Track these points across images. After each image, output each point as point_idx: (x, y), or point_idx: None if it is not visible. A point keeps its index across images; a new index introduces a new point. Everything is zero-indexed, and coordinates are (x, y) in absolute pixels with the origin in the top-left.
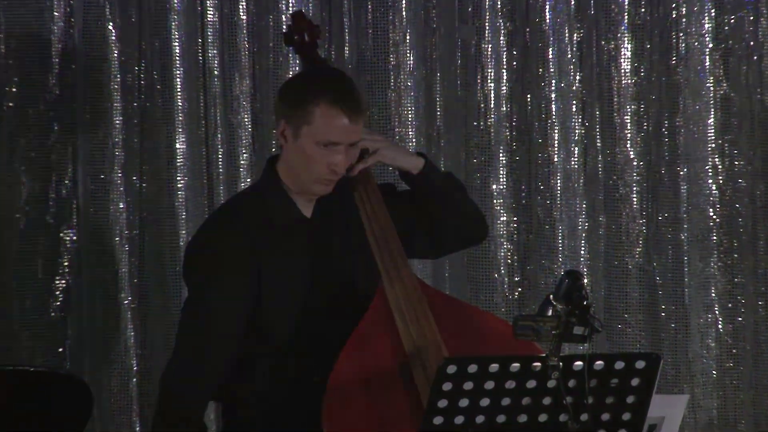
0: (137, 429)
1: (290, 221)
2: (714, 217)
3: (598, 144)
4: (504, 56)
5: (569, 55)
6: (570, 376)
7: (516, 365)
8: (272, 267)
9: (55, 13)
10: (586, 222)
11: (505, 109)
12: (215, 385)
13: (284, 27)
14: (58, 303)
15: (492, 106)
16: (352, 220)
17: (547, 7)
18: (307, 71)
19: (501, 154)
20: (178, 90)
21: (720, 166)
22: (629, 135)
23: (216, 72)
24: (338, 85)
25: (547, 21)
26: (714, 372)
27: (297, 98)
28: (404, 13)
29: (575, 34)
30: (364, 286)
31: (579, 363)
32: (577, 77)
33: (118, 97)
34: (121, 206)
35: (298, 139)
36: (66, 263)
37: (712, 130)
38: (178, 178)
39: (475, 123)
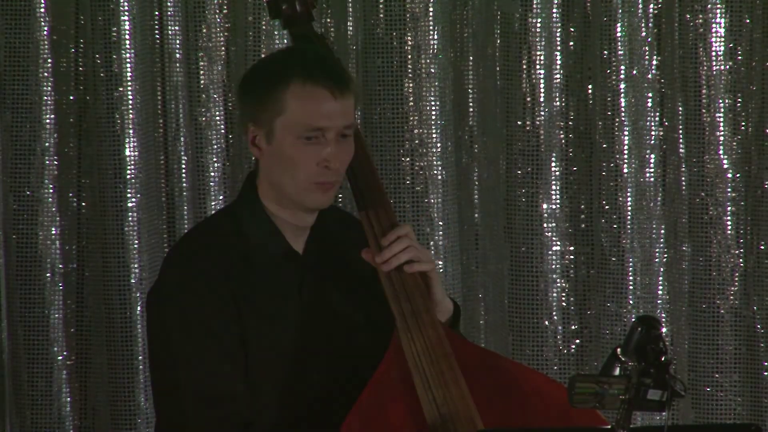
0: None
1: (276, 256)
2: None
3: (681, 150)
4: (558, 34)
5: (643, 33)
6: None
7: None
8: (254, 312)
9: None
10: (665, 252)
11: (558, 104)
12: None
13: None
14: None
15: (542, 100)
16: (352, 256)
17: None
18: (264, 56)
19: (553, 164)
20: (128, 79)
21: None
22: (722, 138)
23: (178, 55)
24: (308, 55)
25: None
26: None
27: (260, 88)
28: None
29: (651, 5)
30: (369, 339)
31: None
32: (654, 62)
33: (49, 88)
34: (54, 232)
35: (273, 140)
36: None
37: None
38: (129, 196)
39: (519, 122)
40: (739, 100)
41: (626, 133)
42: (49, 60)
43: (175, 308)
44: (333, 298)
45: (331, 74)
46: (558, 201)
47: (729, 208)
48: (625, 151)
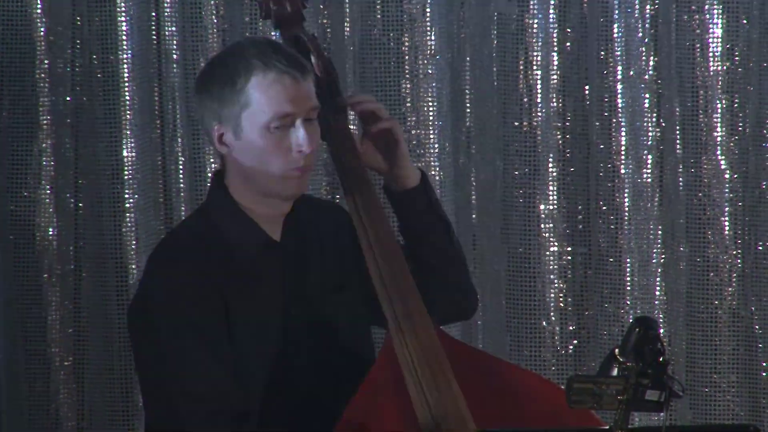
0: None
1: (257, 248)
2: None
3: (678, 151)
4: (554, 35)
5: (640, 34)
6: None
7: None
8: (241, 309)
9: None
10: (662, 253)
11: (555, 104)
12: None
13: None
14: None
15: (539, 101)
16: (328, 243)
17: None
18: (216, 54)
19: (550, 164)
20: (125, 80)
21: None
22: (719, 139)
23: (175, 56)
24: (263, 45)
25: None
26: None
27: (221, 85)
28: None
29: (648, 6)
30: (352, 335)
31: None
32: (651, 63)
33: (46, 89)
34: (51, 233)
35: (241, 135)
36: None
37: None
38: (126, 196)
39: (516, 123)
40: (737, 101)
41: (623, 133)
42: (46, 61)
43: (162, 312)
44: (311, 283)
45: (289, 59)
46: (555, 202)
47: (726, 209)
48: (622, 152)
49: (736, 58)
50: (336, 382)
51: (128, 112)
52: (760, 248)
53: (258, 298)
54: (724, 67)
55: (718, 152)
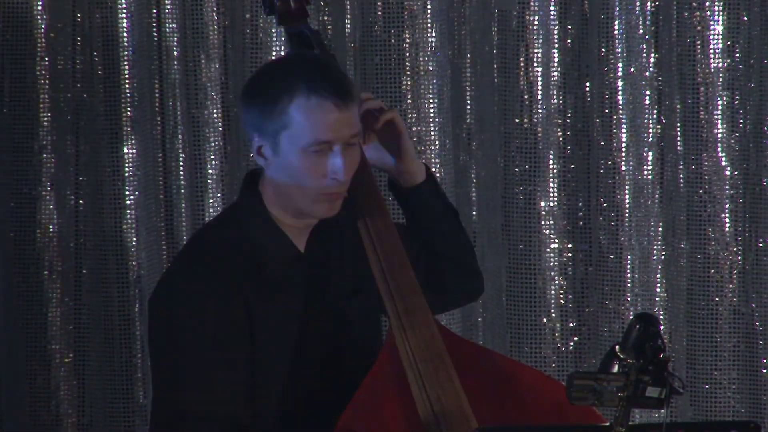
0: None
1: (285, 260)
2: None
3: (679, 148)
4: (555, 31)
5: (641, 30)
6: None
7: None
8: (264, 318)
9: None
10: (663, 250)
11: (556, 101)
12: None
13: None
14: None
15: (539, 97)
16: (348, 248)
17: None
18: (267, 64)
19: (551, 161)
20: (126, 77)
21: None
22: (720, 136)
23: (175, 53)
24: (312, 66)
25: None
26: None
27: (264, 101)
28: None
29: (649, 2)
30: (366, 337)
31: None
32: (652, 59)
33: (47, 85)
34: (52, 230)
35: (279, 153)
36: None
37: None
38: (127, 193)
39: (516, 120)
40: (737, 97)
41: (624, 130)
42: (47, 58)
43: (188, 323)
44: (331, 291)
45: (335, 85)
46: (556, 198)
47: (727, 206)
48: (623, 149)
49: (737, 55)
50: (348, 383)
51: (128, 108)
52: (761, 245)
53: (279, 307)
54: (725, 64)
55: (719, 149)
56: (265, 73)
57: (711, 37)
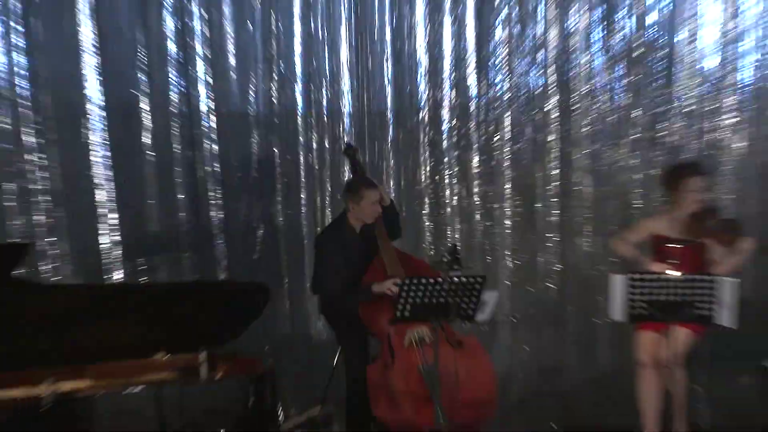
0: None
1: (355, 239)
2: None
3: None
4: None
5: None
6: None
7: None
8: (349, 256)
9: None
10: None
11: None
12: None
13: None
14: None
15: None
16: (368, 235)
17: None
18: (350, 181)
19: None
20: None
21: None
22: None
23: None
24: (365, 179)
25: None
26: None
27: (353, 194)
28: None
29: None
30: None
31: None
32: None
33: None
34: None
35: (357, 206)
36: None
37: None
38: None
39: None
40: None
41: None
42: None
43: (327, 253)
44: (364, 250)
45: (373, 183)
46: None
47: None
48: None
49: None
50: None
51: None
52: None
53: (353, 252)
54: None
55: None
56: (351, 185)
57: None
